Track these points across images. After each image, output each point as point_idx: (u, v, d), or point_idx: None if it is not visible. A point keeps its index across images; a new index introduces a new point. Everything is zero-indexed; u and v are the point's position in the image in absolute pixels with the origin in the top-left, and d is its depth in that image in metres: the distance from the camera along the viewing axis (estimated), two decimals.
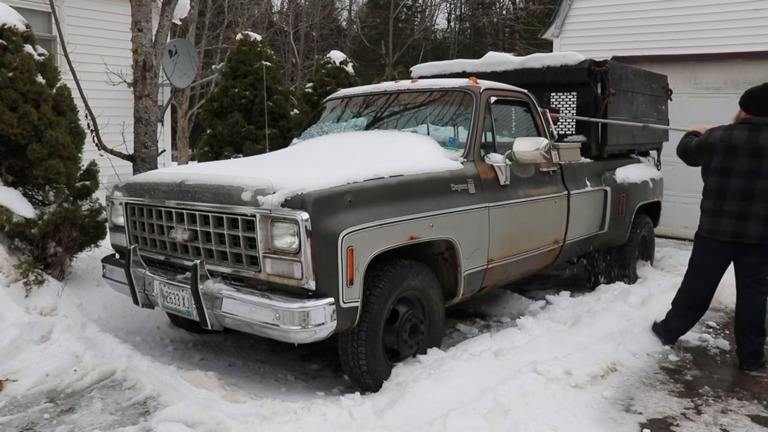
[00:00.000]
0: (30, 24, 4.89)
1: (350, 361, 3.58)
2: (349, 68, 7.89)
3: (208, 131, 7.25)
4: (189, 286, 3.50)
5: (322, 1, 25.22)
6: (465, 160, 4.26)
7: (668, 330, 4.45)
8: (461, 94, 4.62)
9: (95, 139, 5.45)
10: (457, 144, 4.35)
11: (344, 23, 29.87)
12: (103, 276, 4.35)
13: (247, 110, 7.07)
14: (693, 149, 4.23)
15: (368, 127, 4.84)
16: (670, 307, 4.47)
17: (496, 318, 5.27)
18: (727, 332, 4.88)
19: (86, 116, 5.44)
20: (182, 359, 4.18)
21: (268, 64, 7.15)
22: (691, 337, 4.68)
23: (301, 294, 3.21)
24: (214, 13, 21.30)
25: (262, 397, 3.46)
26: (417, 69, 6.80)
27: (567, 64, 5.68)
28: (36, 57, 4.76)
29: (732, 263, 4.18)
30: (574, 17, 9.77)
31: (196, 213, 3.57)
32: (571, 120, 5.69)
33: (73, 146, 4.82)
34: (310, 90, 7.69)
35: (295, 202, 3.19)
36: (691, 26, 8.53)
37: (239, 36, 7.48)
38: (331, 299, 3.19)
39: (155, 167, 5.53)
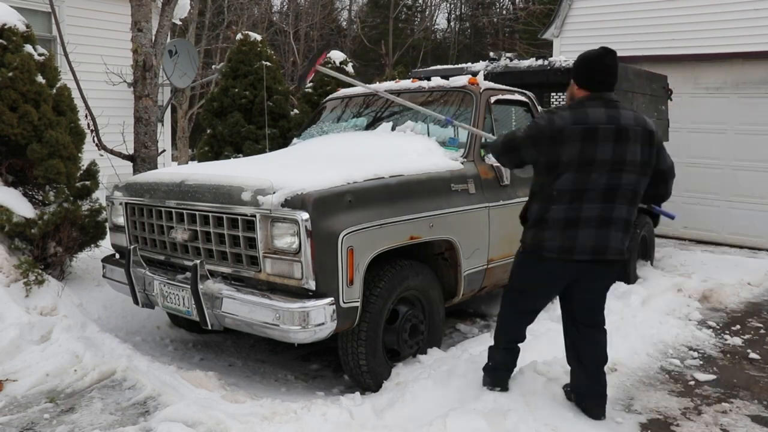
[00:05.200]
0: (30, 24, 4.89)
1: (350, 361, 3.58)
2: (349, 68, 7.88)
3: (208, 131, 7.24)
4: (189, 286, 3.50)
5: (322, 0, 25.21)
6: (465, 160, 4.26)
7: (494, 369, 3.45)
8: (461, 94, 4.63)
9: (95, 139, 5.45)
10: (457, 144, 4.35)
11: (344, 23, 29.87)
12: (103, 276, 4.35)
13: (247, 110, 7.06)
14: (521, 141, 3.13)
15: (368, 127, 4.84)
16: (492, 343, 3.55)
17: (496, 318, 5.27)
18: (728, 332, 4.88)
19: (86, 116, 5.44)
20: (182, 359, 4.18)
21: (268, 64, 7.15)
22: (691, 337, 4.69)
23: (301, 294, 3.21)
24: (214, 13, 21.30)
25: (262, 397, 3.46)
26: (416, 72, 6.84)
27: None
28: (36, 57, 4.76)
29: (562, 290, 3.29)
30: (574, 17, 9.76)
31: (196, 213, 3.57)
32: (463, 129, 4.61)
33: (73, 146, 4.82)
34: (310, 90, 7.68)
35: (295, 202, 3.19)
36: (691, 26, 8.53)
37: (239, 36, 7.47)
38: (331, 299, 3.19)
39: (155, 167, 5.53)
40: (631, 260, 6.08)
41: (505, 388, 3.41)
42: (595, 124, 2.96)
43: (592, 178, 2.97)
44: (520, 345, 3.46)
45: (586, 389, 3.30)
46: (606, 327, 3.34)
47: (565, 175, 2.99)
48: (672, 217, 3.93)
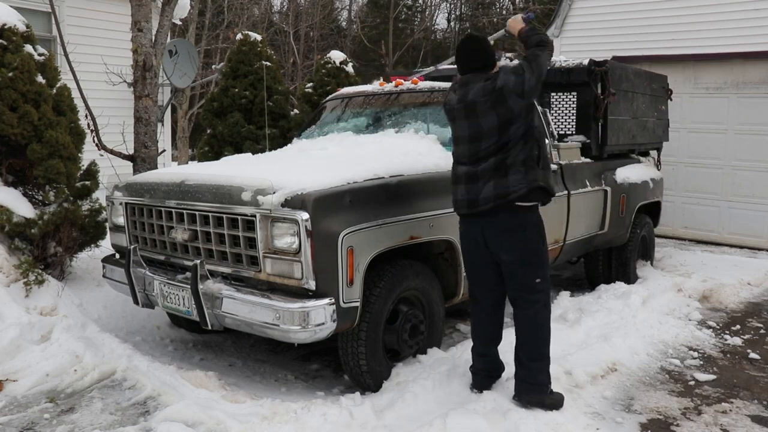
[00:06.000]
0: (30, 24, 4.89)
1: (350, 361, 3.58)
2: (349, 68, 7.88)
3: (208, 131, 7.25)
4: (189, 286, 3.50)
5: (322, 1, 25.21)
6: None
7: (474, 373, 3.49)
8: None
9: (95, 139, 5.44)
10: None
11: (344, 23, 29.87)
12: (103, 276, 4.35)
13: (247, 110, 7.07)
14: None
15: (368, 127, 4.84)
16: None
17: None
18: (728, 332, 4.88)
19: (86, 116, 5.44)
20: (182, 359, 4.18)
21: (268, 64, 7.15)
22: (691, 337, 4.69)
23: (301, 294, 3.21)
24: (214, 13, 21.31)
25: (262, 397, 3.46)
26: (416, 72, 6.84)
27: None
28: (36, 57, 4.76)
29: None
30: (574, 17, 9.76)
31: (196, 213, 3.56)
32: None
33: (73, 146, 4.82)
34: (310, 90, 7.68)
35: (295, 202, 3.19)
36: (691, 26, 8.52)
37: (239, 36, 7.47)
38: (331, 299, 3.19)
39: (155, 167, 5.53)
40: (631, 260, 6.08)
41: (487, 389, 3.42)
42: (452, 105, 3.37)
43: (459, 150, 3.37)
44: (490, 348, 3.45)
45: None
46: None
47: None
48: (532, 17, 3.61)
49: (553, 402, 3.26)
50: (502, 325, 3.52)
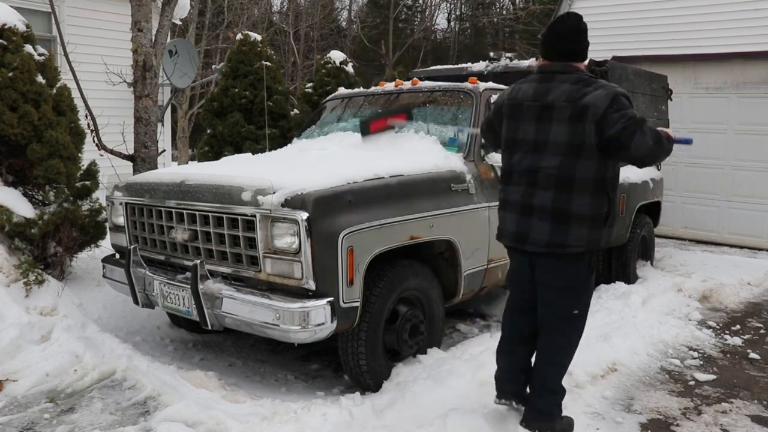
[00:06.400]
0: (30, 24, 4.88)
1: (350, 361, 3.58)
2: (349, 68, 7.89)
3: (208, 131, 7.25)
4: (189, 286, 3.50)
5: (322, 1, 25.21)
6: (465, 160, 4.26)
7: (496, 379, 3.19)
8: (461, 95, 4.63)
9: (95, 139, 5.45)
10: (458, 144, 4.35)
11: (344, 23, 29.87)
12: (103, 276, 4.35)
13: (247, 110, 7.07)
14: (482, 122, 3.14)
15: None
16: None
17: (496, 318, 5.26)
18: (728, 332, 4.88)
19: (86, 116, 5.44)
20: (182, 359, 4.18)
21: (268, 64, 7.15)
22: (691, 337, 4.69)
23: (301, 294, 3.21)
24: (214, 13, 21.30)
25: (262, 397, 3.46)
26: (416, 73, 6.84)
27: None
28: (36, 57, 4.76)
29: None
30: None
31: (196, 213, 3.57)
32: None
33: (73, 146, 4.82)
34: (310, 90, 7.69)
35: (295, 202, 3.19)
36: (691, 26, 8.52)
37: (239, 36, 7.47)
38: (331, 299, 3.19)
39: (155, 167, 5.53)
40: (631, 260, 6.08)
41: (509, 400, 3.12)
42: (522, 100, 2.86)
43: (515, 158, 2.89)
44: (520, 347, 3.09)
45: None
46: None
47: (501, 153, 3.03)
48: (689, 142, 3.16)
49: (564, 428, 3.02)
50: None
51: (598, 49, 8.67)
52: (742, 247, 8.29)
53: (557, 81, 2.80)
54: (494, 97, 4.65)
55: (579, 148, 2.72)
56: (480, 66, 6.29)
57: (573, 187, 2.75)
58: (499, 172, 4.34)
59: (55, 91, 4.87)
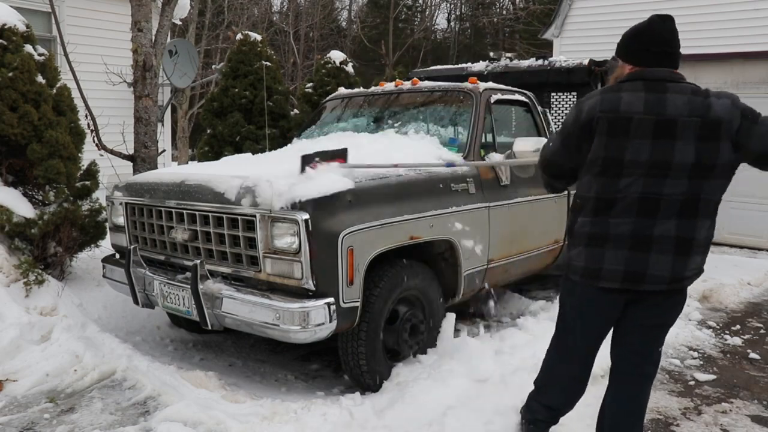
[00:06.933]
0: (30, 24, 4.88)
1: (350, 361, 3.58)
2: (349, 68, 7.88)
3: (208, 131, 7.25)
4: (189, 286, 3.50)
5: (322, 1, 25.22)
6: (465, 160, 4.26)
7: (533, 422, 2.96)
8: (461, 95, 4.63)
9: (95, 139, 5.45)
10: (458, 144, 4.35)
11: (344, 23, 29.88)
12: (103, 276, 4.35)
13: (247, 110, 7.07)
14: (554, 146, 2.63)
15: (368, 126, 4.84)
16: (533, 387, 3.02)
17: (496, 318, 5.27)
18: (728, 332, 4.88)
19: (86, 116, 5.44)
20: (182, 359, 4.18)
21: (268, 64, 7.15)
22: (691, 337, 4.69)
23: (301, 294, 3.21)
24: (214, 13, 21.31)
25: (262, 397, 3.46)
26: (415, 73, 6.86)
27: None
28: (36, 57, 4.76)
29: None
30: (574, 17, 9.77)
31: (196, 213, 3.56)
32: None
33: (73, 146, 4.81)
34: (310, 90, 7.68)
35: (295, 202, 3.18)
36: (691, 26, 8.51)
37: (239, 36, 7.48)
38: (331, 299, 3.19)
39: (155, 167, 5.53)
40: None
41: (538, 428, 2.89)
42: (628, 114, 2.34)
43: (621, 184, 2.38)
44: (558, 417, 2.84)
45: None
46: (649, 389, 2.67)
47: (586, 178, 2.47)
48: None
49: None
50: None
51: (598, 49, 8.67)
52: (742, 247, 8.29)
53: (671, 91, 2.34)
54: (494, 98, 4.67)
55: (709, 170, 2.31)
56: (480, 66, 6.30)
57: (698, 213, 2.36)
58: (500, 173, 4.40)
59: (55, 91, 4.87)
